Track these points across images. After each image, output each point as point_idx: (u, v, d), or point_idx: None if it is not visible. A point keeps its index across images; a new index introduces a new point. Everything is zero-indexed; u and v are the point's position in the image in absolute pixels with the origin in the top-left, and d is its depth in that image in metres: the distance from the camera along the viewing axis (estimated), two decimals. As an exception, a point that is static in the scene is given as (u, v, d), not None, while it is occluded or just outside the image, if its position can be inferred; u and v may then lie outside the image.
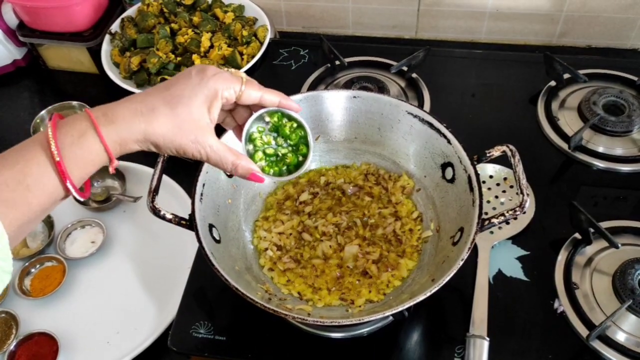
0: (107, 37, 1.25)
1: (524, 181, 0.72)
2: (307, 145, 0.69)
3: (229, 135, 0.72)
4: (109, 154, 0.55)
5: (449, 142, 0.79)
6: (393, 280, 0.80)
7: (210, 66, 0.61)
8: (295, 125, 0.68)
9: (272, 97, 0.64)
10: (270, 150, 0.68)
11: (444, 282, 0.65)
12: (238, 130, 0.69)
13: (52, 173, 0.53)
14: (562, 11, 1.22)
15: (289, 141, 0.69)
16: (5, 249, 0.50)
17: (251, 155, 0.68)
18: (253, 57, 1.18)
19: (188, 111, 0.58)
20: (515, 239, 0.89)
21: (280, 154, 0.69)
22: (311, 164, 0.92)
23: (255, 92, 0.63)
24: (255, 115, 0.65)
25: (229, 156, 0.61)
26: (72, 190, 0.54)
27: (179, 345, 0.81)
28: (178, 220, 0.73)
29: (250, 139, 0.67)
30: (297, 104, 0.66)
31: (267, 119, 0.67)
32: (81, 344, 0.91)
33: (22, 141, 0.55)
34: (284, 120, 0.67)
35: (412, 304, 0.64)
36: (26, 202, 0.52)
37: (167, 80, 0.60)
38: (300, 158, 0.69)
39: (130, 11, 1.30)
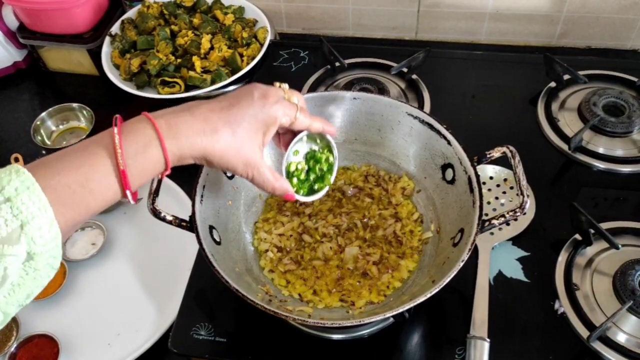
0: (107, 39, 1.25)
1: (524, 182, 0.72)
2: (331, 171, 0.77)
3: None
4: (168, 166, 0.57)
5: (449, 143, 0.79)
6: (393, 281, 0.80)
7: (271, 90, 0.64)
8: (329, 157, 0.76)
9: (317, 125, 0.70)
10: (303, 176, 0.75)
11: (445, 283, 0.65)
12: (277, 137, 0.74)
13: (115, 180, 0.54)
14: (562, 12, 1.22)
15: (319, 166, 0.75)
16: (58, 248, 0.51)
17: (287, 176, 0.74)
18: (253, 58, 1.18)
19: (247, 136, 0.61)
20: (516, 240, 0.89)
21: (310, 179, 0.76)
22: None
23: (306, 120, 0.67)
24: (297, 137, 0.71)
25: (271, 179, 0.66)
26: (130, 197, 0.55)
27: (179, 347, 0.81)
28: (178, 222, 0.73)
29: (287, 168, 0.73)
30: (334, 127, 0.74)
31: (305, 140, 0.73)
32: (82, 345, 0.91)
33: (85, 140, 0.56)
34: (324, 151, 0.75)
35: (412, 305, 0.64)
36: (86, 204, 0.53)
37: (229, 97, 0.62)
38: (326, 180, 0.76)
39: (131, 13, 1.30)
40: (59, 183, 0.51)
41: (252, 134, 0.61)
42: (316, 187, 0.76)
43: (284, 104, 0.64)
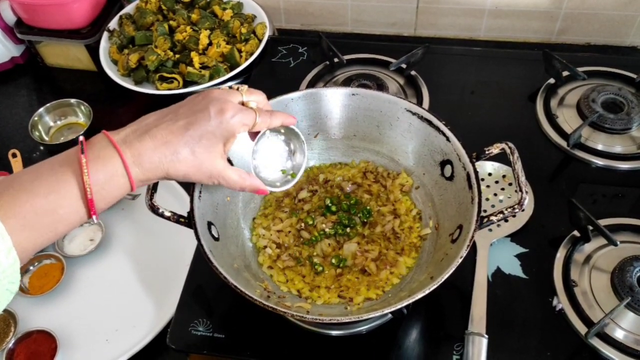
0: (105, 35, 1.25)
1: (522, 179, 0.72)
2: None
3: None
4: (133, 190, 0.61)
5: (447, 139, 0.79)
6: (392, 277, 0.80)
7: (228, 103, 0.64)
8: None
9: (277, 122, 0.70)
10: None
11: (443, 279, 0.65)
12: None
13: (82, 206, 0.57)
14: (561, 8, 1.22)
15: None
16: (16, 273, 0.53)
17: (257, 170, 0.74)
18: (251, 54, 1.18)
19: (206, 153, 0.63)
20: (514, 237, 0.89)
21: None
22: (309, 161, 0.92)
23: (264, 122, 0.68)
24: (259, 135, 0.70)
25: (238, 181, 0.67)
26: (94, 219, 0.58)
27: (177, 342, 0.81)
28: (177, 218, 0.73)
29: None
30: (293, 118, 0.72)
31: (268, 134, 0.73)
32: (80, 341, 0.91)
33: (52, 159, 0.58)
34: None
35: (410, 301, 0.64)
36: (54, 228, 0.56)
37: (186, 112, 0.63)
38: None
39: (129, 8, 1.30)
40: (29, 210, 0.53)
41: (211, 149, 0.63)
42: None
43: (241, 115, 0.64)
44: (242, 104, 0.67)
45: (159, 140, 0.60)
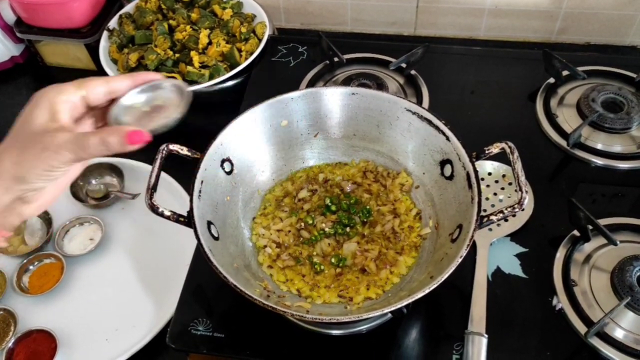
0: (105, 34, 1.25)
1: (522, 178, 0.72)
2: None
3: None
4: None
5: (447, 139, 0.79)
6: (392, 277, 0.80)
7: (43, 88, 0.57)
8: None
9: (121, 83, 0.58)
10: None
11: (443, 279, 0.65)
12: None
13: None
14: (561, 8, 1.22)
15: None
16: None
17: None
18: (251, 53, 1.18)
19: (28, 129, 0.54)
20: (514, 236, 0.89)
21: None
22: (309, 160, 0.92)
23: (100, 87, 0.57)
24: (118, 103, 0.58)
25: (89, 137, 0.53)
26: None
27: (177, 342, 0.81)
28: (176, 218, 0.73)
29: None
30: (156, 73, 0.60)
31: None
32: (79, 341, 0.91)
33: None
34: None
35: (410, 301, 0.64)
36: None
37: None
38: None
39: (128, 7, 1.29)
40: None
41: (33, 125, 0.54)
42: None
43: (54, 86, 0.57)
44: None
45: None
